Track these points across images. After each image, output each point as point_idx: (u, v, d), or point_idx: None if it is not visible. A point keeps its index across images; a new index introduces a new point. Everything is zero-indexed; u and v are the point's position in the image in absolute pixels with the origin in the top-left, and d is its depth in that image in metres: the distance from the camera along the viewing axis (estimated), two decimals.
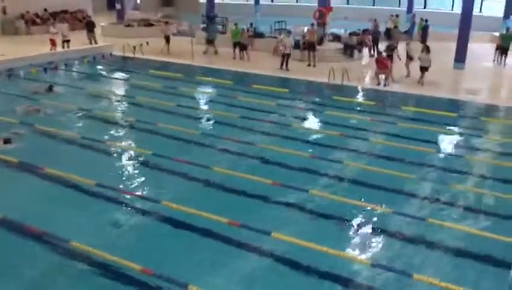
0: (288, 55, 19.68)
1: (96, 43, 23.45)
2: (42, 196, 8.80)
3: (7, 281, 6.49)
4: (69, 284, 6.45)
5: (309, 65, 20.40)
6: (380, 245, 7.51)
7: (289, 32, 21.60)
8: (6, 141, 11.01)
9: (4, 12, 26.95)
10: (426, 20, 26.09)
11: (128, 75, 18.75)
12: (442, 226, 7.98)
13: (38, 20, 28.20)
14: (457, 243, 7.58)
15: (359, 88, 17.47)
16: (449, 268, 6.99)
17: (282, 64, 19.65)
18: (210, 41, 22.48)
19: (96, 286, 6.38)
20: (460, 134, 12.96)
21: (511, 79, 19.86)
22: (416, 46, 19.20)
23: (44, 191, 9.02)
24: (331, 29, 24.47)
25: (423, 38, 24.63)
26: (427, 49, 17.58)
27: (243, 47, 21.64)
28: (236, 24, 22.20)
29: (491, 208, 8.71)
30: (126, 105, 14.90)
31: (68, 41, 21.98)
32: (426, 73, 17.58)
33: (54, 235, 7.30)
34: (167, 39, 23.05)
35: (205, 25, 27.01)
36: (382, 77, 17.72)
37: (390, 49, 19.06)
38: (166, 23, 24.10)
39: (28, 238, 7.31)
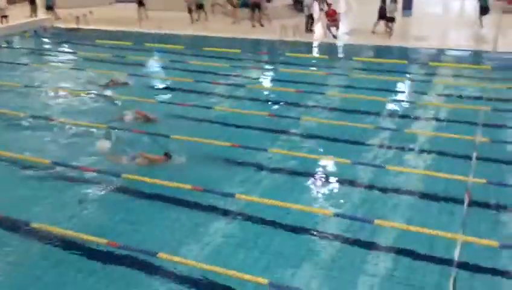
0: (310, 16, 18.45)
1: (36, 15, 22.32)
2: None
3: None
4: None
5: (254, 26, 19.78)
6: (342, 195, 7.69)
7: None
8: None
9: None
10: None
11: (73, 47, 18.03)
12: (401, 172, 8.27)
13: None
14: (415, 186, 7.88)
15: (311, 43, 17.47)
16: (408, 210, 7.26)
17: (307, 26, 18.54)
18: None
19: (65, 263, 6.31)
20: (412, 80, 13.28)
21: (459, 23, 20.31)
22: None
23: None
24: None
25: None
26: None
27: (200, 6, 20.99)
28: None
29: (444, 148, 9.03)
30: (75, 76, 14.37)
31: (6, 16, 20.84)
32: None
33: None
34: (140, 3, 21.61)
35: None
36: (333, 29, 17.74)
37: None
38: None
39: None
